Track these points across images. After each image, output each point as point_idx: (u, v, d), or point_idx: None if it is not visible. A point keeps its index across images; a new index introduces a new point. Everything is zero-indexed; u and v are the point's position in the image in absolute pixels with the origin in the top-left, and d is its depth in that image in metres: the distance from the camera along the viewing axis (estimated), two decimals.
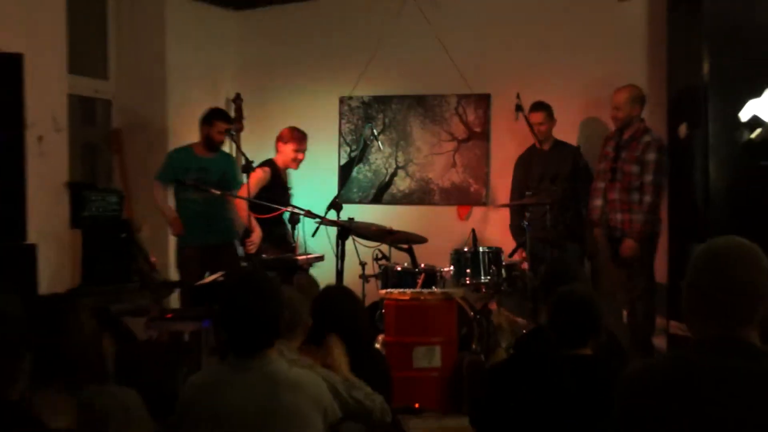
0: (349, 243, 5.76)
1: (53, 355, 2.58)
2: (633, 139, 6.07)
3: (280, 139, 6.65)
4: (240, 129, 7.04)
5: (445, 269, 6.22)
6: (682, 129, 6.20)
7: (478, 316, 5.97)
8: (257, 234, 6.26)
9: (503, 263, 6.12)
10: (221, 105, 7.44)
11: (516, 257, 6.31)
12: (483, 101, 7.16)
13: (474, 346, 5.85)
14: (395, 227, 6.44)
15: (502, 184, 7.08)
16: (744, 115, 4.90)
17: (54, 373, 2.59)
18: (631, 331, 6.06)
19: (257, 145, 6.87)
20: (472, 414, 3.71)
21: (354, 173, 7.33)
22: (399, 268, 6.24)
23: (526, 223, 6.26)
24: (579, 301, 3.12)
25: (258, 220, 6.26)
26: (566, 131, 6.65)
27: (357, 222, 6.31)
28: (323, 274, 5.88)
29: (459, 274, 6.08)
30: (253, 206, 6.15)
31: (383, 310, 5.83)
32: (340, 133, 7.45)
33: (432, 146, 7.29)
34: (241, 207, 6.22)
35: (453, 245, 6.33)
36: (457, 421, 4.98)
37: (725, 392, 2.05)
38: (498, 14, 7.04)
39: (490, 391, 3.47)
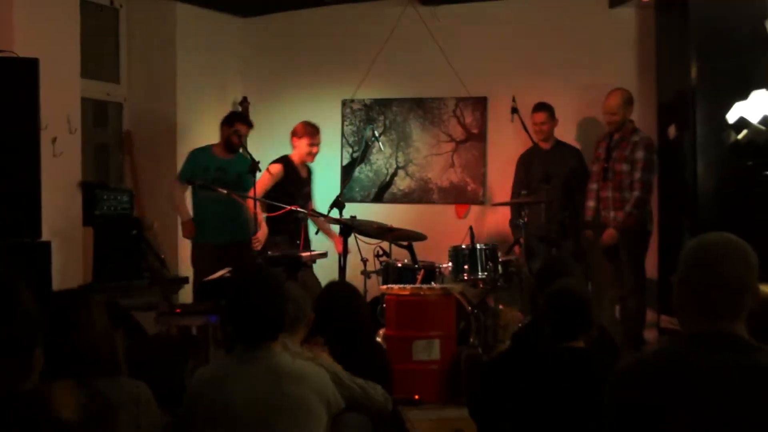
0: (351, 240, 5.74)
1: (67, 349, 2.57)
2: (623, 139, 6.08)
3: (294, 134, 6.54)
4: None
5: (444, 265, 6.21)
6: (671, 130, 6.20)
7: (475, 311, 5.96)
8: (262, 232, 6.23)
9: (500, 259, 6.11)
10: (228, 108, 7.44)
11: (517, 251, 6.31)
12: (480, 104, 7.15)
13: (472, 340, 5.84)
14: (395, 225, 6.43)
15: (498, 183, 7.08)
16: (731, 116, 4.88)
17: (67, 367, 2.58)
18: (622, 326, 6.06)
19: (263, 146, 6.84)
20: (471, 406, 3.71)
21: (356, 173, 7.32)
22: (399, 265, 6.23)
23: (522, 221, 6.26)
24: (571, 296, 3.11)
25: (274, 217, 6.18)
26: (560, 133, 6.63)
27: (359, 220, 6.30)
28: (326, 271, 5.89)
29: (457, 270, 6.07)
30: (264, 204, 6.11)
31: (384, 305, 5.82)
32: (343, 135, 7.44)
33: (431, 147, 7.28)
34: (251, 206, 6.18)
35: (451, 242, 6.31)
36: (455, 412, 4.95)
37: (715, 386, 2.04)
38: (494, 21, 7.05)
39: (487, 384, 3.47)
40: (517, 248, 6.33)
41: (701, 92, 5.80)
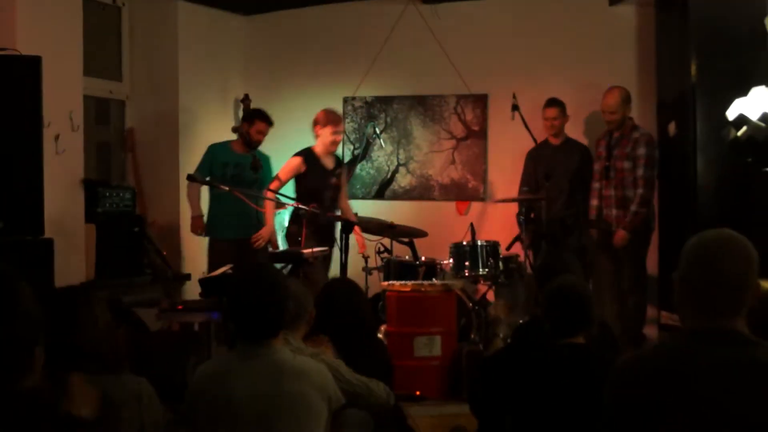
0: (352, 237, 5.73)
1: (69, 346, 2.57)
2: (623, 136, 6.07)
3: (316, 123, 6.36)
4: None
5: (445, 262, 6.21)
6: (671, 127, 6.19)
7: (476, 307, 5.96)
8: (266, 229, 6.20)
9: (500, 256, 6.11)
10: (230, 105, 7.45)
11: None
12: (481, 101, 7.15)
13: (473, 336, 5.84)
14: (397, 222, 6.44)
15: (499, 180, 7.08)
16: (730, 113, 4.87)
17: (70, 364, 2.58)
18: (622, 322, 6.05)
19: (265, 143, 6.83)
20: (472, 402, 3.71)
21: (357, 170, 7.32)
22: (401, 261, 6.23)
23: (522, 217, 6.27)
24: (571, 292, 3.11)
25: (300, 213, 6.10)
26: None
27: (360, 217, 6.31)
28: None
29: (458, 266, 6.07)
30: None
31: (385, 302, 5.83)
32: (344, 132, 7.43)
33: (432, 144, 7.28)
34: (267, 204, 6.14)
35: (452, 239, 6.32)
36: (456, 408, 4.97)
37: (715, 382, 2.04)
38: (495, 19, 7.05)
39: (488, 380, 3.47)
40: (518, 244, 6.31)
41: (701, 89, 5.79)
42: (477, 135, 7.17)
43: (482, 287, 6.43)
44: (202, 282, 5.07)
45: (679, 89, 6.08)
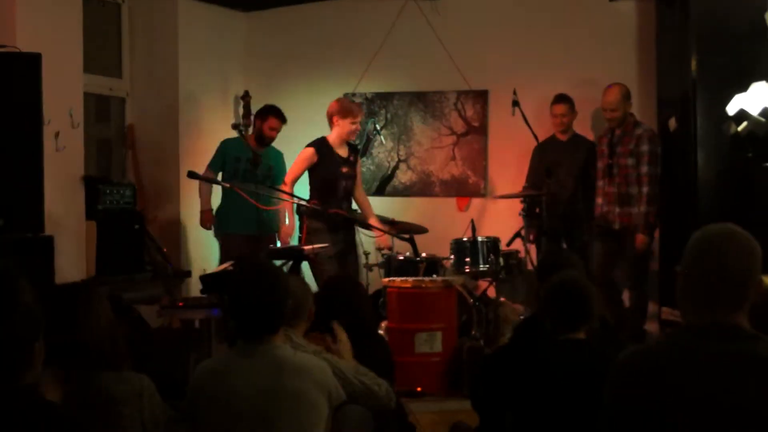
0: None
1: (70, 342, 2.57)
2: (625, 133, 6.05)
3: (334, 113, 6.24)
4: (249, 124, 7.02)
5: (446, 258, 6.21)
6: (672, 123, 6.18)
7: (477, 303, 5.96)
8: (291, 225, 6.12)
9: (501, 252, 6.11)
10: (230, 102, 7.44)
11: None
12: (481, 97, 7.14)
13: (474, 332, 5.84)
14: (397, 218, 6.44)
15: (499, 176, 7.07)
16: (731, 109, 4.87)
17: (71, 360, 2.58)
18: (624, 317, 6.05)
19: None
20: (473, 397, 3.71)
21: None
22: (401, 257, 6.23)
23: (522, 213, 6.26)
24: (572, 288, 3.10)
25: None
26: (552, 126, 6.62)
27: (360, 213, 6.30)
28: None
29: (459, 262, 6.07)
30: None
31: (386, 298, 5.83)
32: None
33: (432, 140, 7.27)
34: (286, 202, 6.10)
35: (453, 235, 6.32)
36: (457, 404, 4.97)
37: (716, 376, 2.03)
38: (495, 14, 7.04)
39: (489, 375, 3.46)
40: (519, 240, 6.31)
41: (701, 85, 5.79)
42: (477, 131, 7.16)
43: (483, 283, 6.43)
44: (203, 279, 5.06)
45: (679, 85, 6.07)
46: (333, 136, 6.27)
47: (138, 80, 6.96)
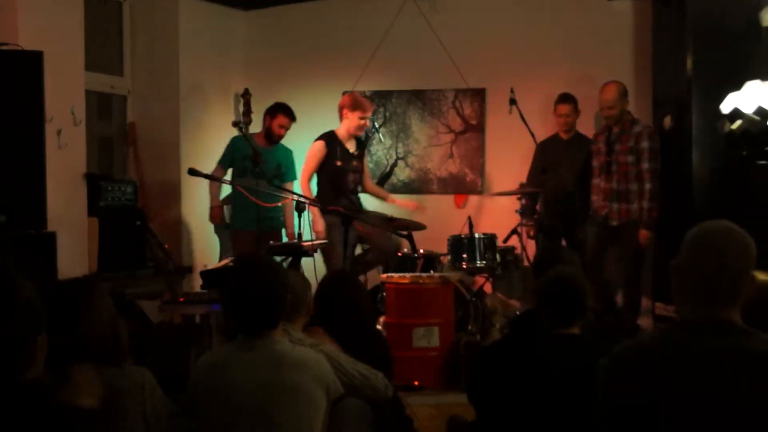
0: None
1: (73, 337, 2.58)
2: (623, 131, 6.04)
3: (344, 106, 6.32)
4: (249, 122, 7.03)
5: (443, 254, 6.22)
6: (667, 121, 6.19)
7: (473, 299, 5.97)
8: (319, 224, 6.04)
9: (497, 248, 6.12)
10: (230, 100, 7.44)
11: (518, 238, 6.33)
12: (479, 95, 7.14)
13: (470, 327, 5.85)
14: (395, 215, 6.44)
15: (497, 173, 7.08)
16: (725, 107, 4.88)
17: (73, 355, 2.59)
18: (618, 312, 6.06)
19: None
20: (469, 391, 3.71)
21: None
22: (399, 254, 6.24)
23: (519, 210, 6.27)
24: (566, 283, 3.11)
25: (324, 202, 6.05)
26: (554, 125, 6.62)
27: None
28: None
29: (456, 258, 6.08)
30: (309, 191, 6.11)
31: (384, 294, 5.84)
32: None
33: (430, 138, 7.28)
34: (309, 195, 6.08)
35: (450, 232, 6.32)
36: (454, 398, 4.98)
37: (710, 371, 2.04)
38: (493, 13, 7.04)
39: (485, 370, 3.47)
40: (515, 236, 6.32)
41: (697, 83, 5.80)
42: (475, 129, 7.17)
43: (480, 279, 6.44)
44: (204, 274, 5.07)
45: (675, 83, 6.08)
46: (342, 129, 6.32)
47: (139, 78, 6.96)
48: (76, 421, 2.06)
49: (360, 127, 6.34)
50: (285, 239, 6.40)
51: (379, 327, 5.56)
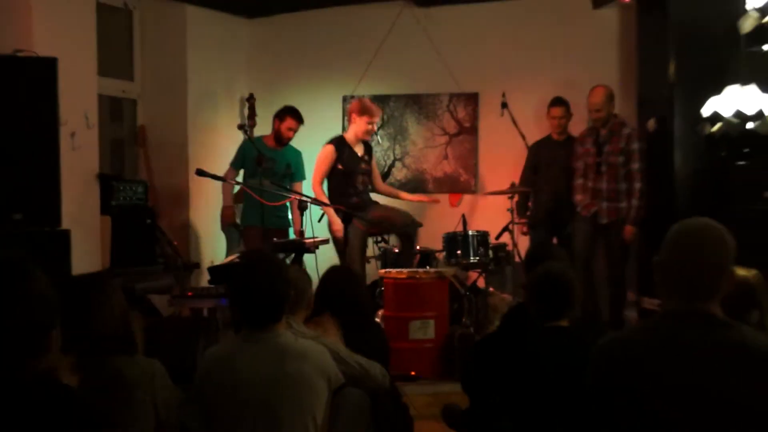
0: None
1: (87, 329, 2.58)
2: (612, 133, 6.01)
3: (353, 111, 6.29)
4: (253, 125, 7.04)
5: (438, 251, 6.22)
6: (651, 123, 6.19)
7: (468, 293, 5.98)
8: (336, 223, 6.00)
9: (490, 245, 6.12)
10: (236, 103, 7.44)
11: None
12: (472, 99, 7.15)
13: (464, 320, 5.86)
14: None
15: (489, 173, 7.09)
16: (706, 111, 4.88)
17: (87, 346, 2.59)
18: (605, 306, 6.07)
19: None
20: (463, 381, 3.72)
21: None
22: (396, 250, 6.24)
23: (510, 208, 6.27)
24: (555, 278, 3.11)
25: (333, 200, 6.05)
26: (547, 127, 6.62)
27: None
28: (328, 256, 5.89)
29: (451, 255, 6.08)
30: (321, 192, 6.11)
31: (382, 288, 5.84)
32: (343, 129, 7.42)
33: (426, 140, 7.28)
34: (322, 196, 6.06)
35: (445, 229, 6.32)
36: (449, 387, 4.99)
37: (691, 360, 2.05)
38: (485, 21, 7.05)
39: (478, 360, 3.48)
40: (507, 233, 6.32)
41: (679, 88, 5.80)
42: (468, 131, 7.18)
43: (473, 274, 6.44)
44: (211, 270, 5.07)
45: (658, 87, 6.08)
46: (350, 133, 6.31)
47: (149, 83, 6.95)
48: (89, 408, 2.07)
49: (368, 132, 6.31)
50: (293, 236, 6.39)
51: (377, 320, 5.56)
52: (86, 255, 5.26)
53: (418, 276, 5.67)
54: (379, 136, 7.05)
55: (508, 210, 6.31)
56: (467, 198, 7.18)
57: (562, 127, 6.45)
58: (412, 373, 5.32)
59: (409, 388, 4.81)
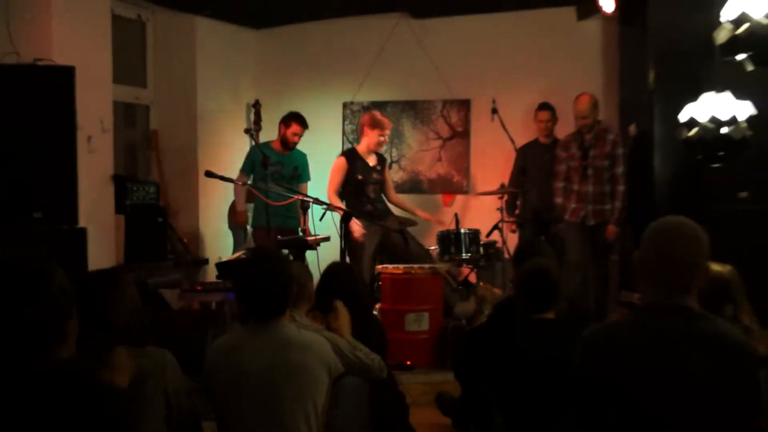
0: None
1: (101, 321, 2.58)
2: (598, 138, 5.98)
3: (364, 124, 6.26)
4: (259, 129, 7.03)
5: (432, 248, 6.22)
6: (632, 128, 6.19)
7: (460, 288, 5.97)
8: (355, 231, 5.98)
9: (481, 242, 6.12)
10: (243, 109, 7.44)
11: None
12: (464, 105, 7.15)
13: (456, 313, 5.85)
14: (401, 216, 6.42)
15: (480, 175, 7.08)
16: (683, 116, 4.88)
17: (102, 337, 2.58)
18: (586, 297, 6.07)
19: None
20: (456, 370, 3.72)
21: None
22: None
23: (500, 207, 6.27)
24: (541, 273, 3.11)
25: (349, 202, 6.04)
26: (534, 131, 6.62)
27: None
28: (329, 253, 5.88)
29: (444, 251, 6.08)
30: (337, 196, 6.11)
31: (380, 283, 5.83)
32: (343, 133, 7.43)
33: (421, 144, 7.28)
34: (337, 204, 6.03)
35: (439, 227, 6.32)
36: (442, 376, 4.99)
37: (668, 349, 2.06)
38: (477, 32, 7.05)
39: (470, 351, 3.47)
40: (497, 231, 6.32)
41: (658, 94, 5.81)
42: (461, 135, 7.18)
43: (465, 270, 6.44)
44: (219, 266, 5.07)
45: (638, 94, 6.09)
46: (362, 145, 6.27)
47: (161, 90, 6.95)
48: (106, 396, 2.06)
49: (379, 144, 6.28)
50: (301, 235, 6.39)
51: (375, 312, 5.56)
52: (101, 251, 5.26)
53: (413, 271, 5.67)
54: None
55: (498, 209, 6.31)
56: (460, 198, 7.18)
57: (548, 131, 6.44)
58: (408, 362, 5.32)
59: (405, 376, 4.82)
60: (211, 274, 6.20)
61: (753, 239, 5.28)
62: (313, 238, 5.45)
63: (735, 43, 4.11)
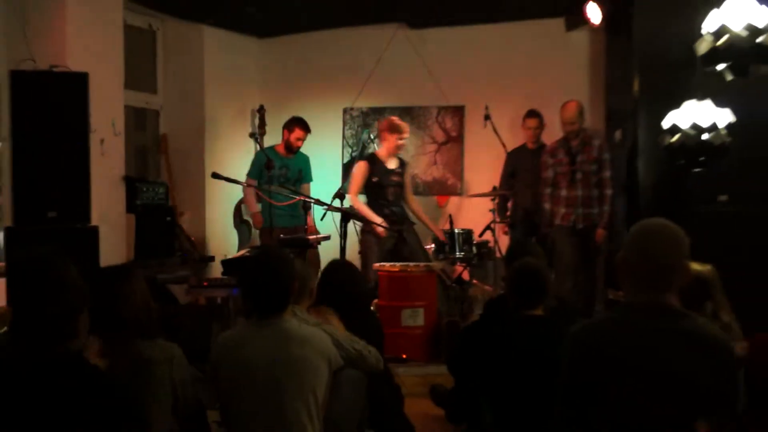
0: (350, 225, 5.71)
1: (112, 315, 2.58)
2: (585, 143, 5.96)
3: (385, 129, 6.17)
4: (263, 133, 7.03)
5: (428, 247, 6.21)
6: (617, 135, 6.20)
7: (454, 285, 5.98)
8: (381, 228, 5.90)
9: (474, 242, 6.12)
10: (248, 115, 7.43)
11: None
12: (458, 111, 7.14)
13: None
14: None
15: (473, 178, 7.08)
16: (666, 123, 4.89)
17: (113, 330, 2.59)
18: (576, 298, 6.06)
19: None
20: (449, 363, 3.72)
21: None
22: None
23: (493, 209, 6.27)
24: (530, 271, 3.12)
25: (371, 203, 6.00)
26: (523, 136, 6.62)
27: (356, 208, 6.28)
28: (329, 251, 5.88)
29: (439, 250, 6.08)
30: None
31: (377, 280, 5.83)
32: (343, 137, 7.42)
33: (417, 148, 7.28)
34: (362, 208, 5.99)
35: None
36: (436, 369, 4.99)
37: (650, 346, 2.06)
38: (471, 42, 7.05)
39: (463, 345, 3.48)
40: (489, 231, 6.32)
41: (642, 102, 5.80)
42: (455, 140, 7.17)
43: (459, 268, 6.44)
44: (224, 263, 5.07)
45: (624, 102, 6.08)
46: (382, 150, 6.20)
47: (170, 95, 6.95)
48: (114, 385, 2.07)
49: (399, 147, 6.18)
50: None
51: (372, 308, 5.56)
52: (113, 249, 5.26)
53: (409, 269, 5.67)
54: (375, 144, 7.02)
55: (490, 211, 6.32)
56: (453, 200, 7.19)
57: (536, 137, 6.44)
58: (404, 356, 5.32)
59: (401, 369, 4.81)
60: (217, 270, 6.18)
61: (732, 240, 5.29)
62: (314, 237, 5.45)
63: (715, 54, 4.12)
